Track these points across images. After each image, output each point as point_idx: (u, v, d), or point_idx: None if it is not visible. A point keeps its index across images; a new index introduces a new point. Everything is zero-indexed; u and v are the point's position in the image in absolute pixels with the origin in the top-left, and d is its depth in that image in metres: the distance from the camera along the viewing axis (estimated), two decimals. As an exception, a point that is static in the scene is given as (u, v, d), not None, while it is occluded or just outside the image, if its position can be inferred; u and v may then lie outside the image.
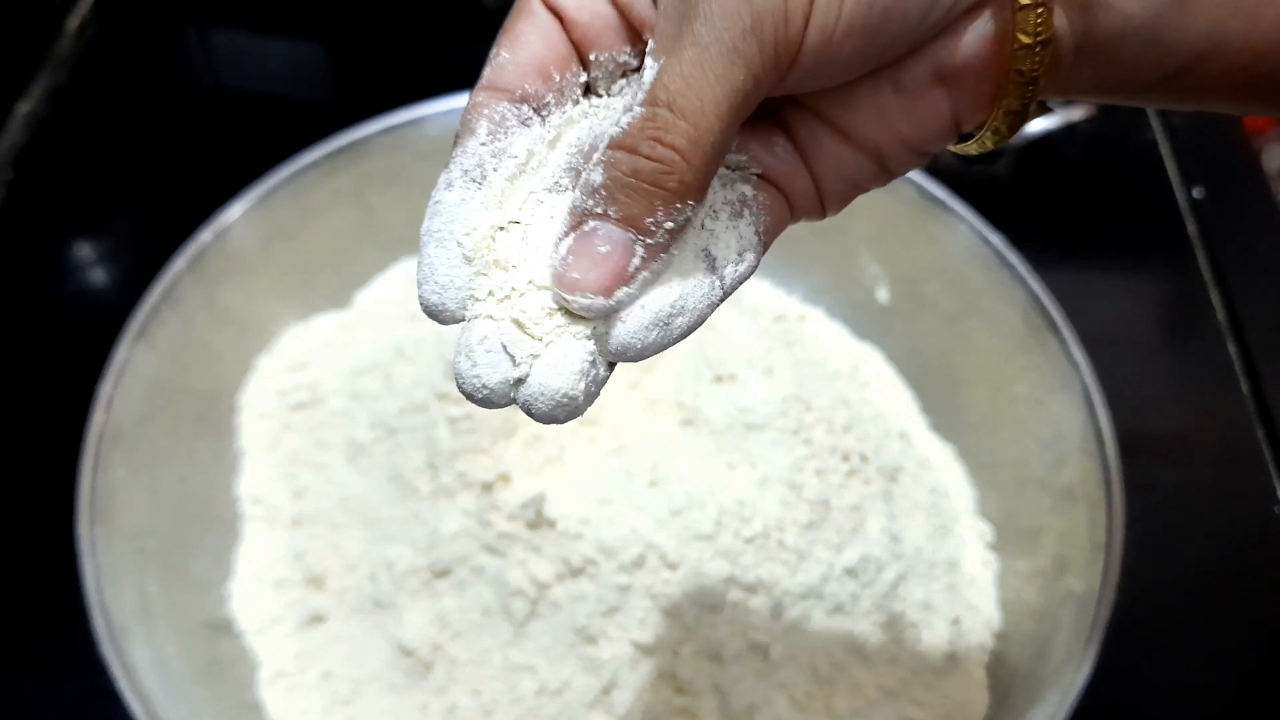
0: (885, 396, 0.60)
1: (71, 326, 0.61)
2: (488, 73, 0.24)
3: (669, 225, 0.21)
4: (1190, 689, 0.52)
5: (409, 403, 0.53)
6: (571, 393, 0.22)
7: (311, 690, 0.49)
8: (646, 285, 0.22)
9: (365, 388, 0.55)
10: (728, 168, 0.24)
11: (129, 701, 0.42)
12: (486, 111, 0.23)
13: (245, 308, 0.58)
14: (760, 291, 0.62)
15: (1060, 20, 0.22)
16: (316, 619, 0.51)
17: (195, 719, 0.45)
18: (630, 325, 0.22)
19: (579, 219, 0.22)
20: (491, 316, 0.22)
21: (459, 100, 0.58)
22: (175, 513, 0.52)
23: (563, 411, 0.22)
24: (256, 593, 0.52)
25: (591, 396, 0.23)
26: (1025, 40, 0.21)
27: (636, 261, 0.22)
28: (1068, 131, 0.70)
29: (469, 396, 0.22)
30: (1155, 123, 0.71)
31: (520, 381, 0.22)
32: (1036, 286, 0.53)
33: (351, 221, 0.60)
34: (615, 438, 0.51)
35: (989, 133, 0.24)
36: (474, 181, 0.23)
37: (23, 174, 0.66)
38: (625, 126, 0.21)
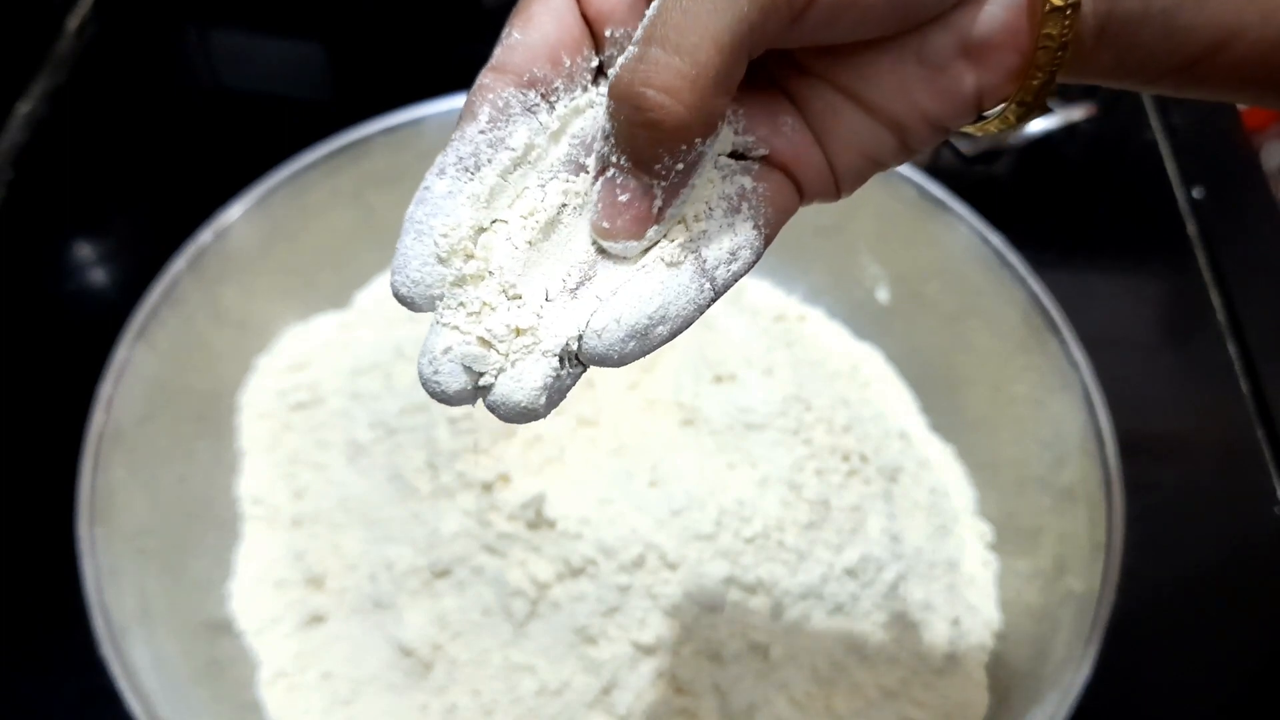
0: (885, 396, 0.60)
1: (71, 326, 0.61)
2: (498, 53, 0.23)
3: (680, 166, 0.21)
4: (1190, 689, 0.52)
5: (409, 403, 0.53)
6: (532, 406, 0.22)
7: (311, 690, 0.49)
8: (675, 219, 0.23)
9: (365, 388, 0.55)
10: (733, 154, 0.24)
11: (129, 701, 0.42)
12: (491, 96, 0.23)
13: (245, 308, 0.58)
14: (760, 291, 0.62)
15: None
16: (316, 619, 0.51)
17: (195, 719, 0.45)
18: (606, 339, 0.22)
19: (602, 164, 0.22)
20: (459, 329, 0.22)
21: (459, 101, 0.58)
22: (175, 513, 0.52)
23: (523, 419, 0.23)
24: (256, 593, 0.52)
25: (555, 404, 0.23)
26: (1056, 2, 0.22)
27: (658, 203, 0.22)
28: (1068, 131, 0.70)
29: (431, 396, 0.23)
30: (1155, 123, 0.71)
31: (483, 388, 0.22)
32: (1036, 286, 0.53)
33: (351, 221, 0.59)
34: (615, 438, 0.51)
35: (1014, 104, 0.24)
36: (466, 171, 0.23)
37: (23, 174, 0.66)
38: (619, 68, 0.21)
